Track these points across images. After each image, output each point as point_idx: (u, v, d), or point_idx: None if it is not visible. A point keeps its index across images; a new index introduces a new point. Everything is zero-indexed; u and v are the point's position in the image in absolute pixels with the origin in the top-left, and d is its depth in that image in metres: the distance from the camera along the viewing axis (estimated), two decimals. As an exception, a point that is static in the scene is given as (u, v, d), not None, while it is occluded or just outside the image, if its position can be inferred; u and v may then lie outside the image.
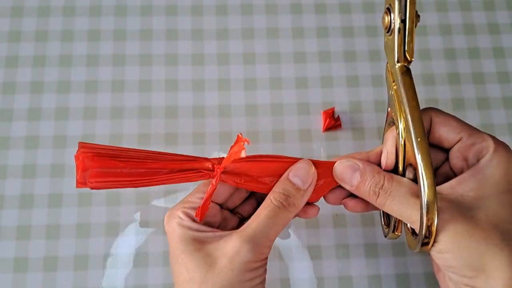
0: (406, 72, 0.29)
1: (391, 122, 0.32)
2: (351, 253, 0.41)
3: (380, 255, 0.41)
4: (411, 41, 0.28)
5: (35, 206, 0.41)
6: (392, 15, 0.28)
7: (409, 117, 0.27)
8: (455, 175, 0.30)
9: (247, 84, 0.45)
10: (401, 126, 0.29)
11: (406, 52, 0.28)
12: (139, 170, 0.30)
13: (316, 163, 0.32)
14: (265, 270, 0.31)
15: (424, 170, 0.26)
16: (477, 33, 0.48)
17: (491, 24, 0.48)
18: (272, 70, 0.46)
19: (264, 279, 0.31)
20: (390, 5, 0.28)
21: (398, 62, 0.29)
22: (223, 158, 0.31)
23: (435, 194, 0.25)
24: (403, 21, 0.28)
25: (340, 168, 0.31)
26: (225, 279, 0.28)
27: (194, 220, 0.31)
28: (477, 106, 0.45)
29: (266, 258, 0.30)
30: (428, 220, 0.25)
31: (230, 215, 0.34)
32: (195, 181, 0.32)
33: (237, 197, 0.34)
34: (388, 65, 0.30)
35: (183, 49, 0.46)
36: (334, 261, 0.40)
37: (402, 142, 0.29)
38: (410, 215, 0.28)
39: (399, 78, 0.28)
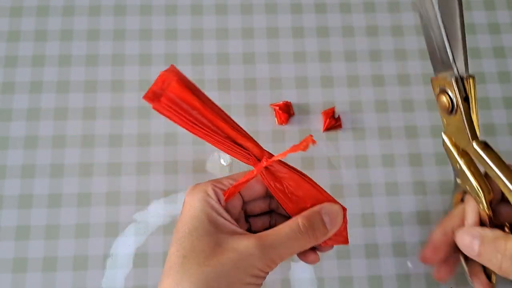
0: (487, 147, 0.30)
1: (461, 192, 0.34)
2: (351, 254, 0.41)
3: (381, 255, 0.41)
4: (477, 118, 0.30)
5: (34, 206, 0.41)
6: (450, 94, 0.30)
7: (507, 183, 0.29)
8: None
9: (247, 84, 0.45)
10: (483, 200, 0.31)
11: (475, 128, 0.30)
12: (205, 119, 0.29)
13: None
14: (262, 283, 0.31)
15: None
16: (477, 32, 0.48)
17: (491, 23, 0.48)
18: (272, 70, 0.46)
19: None
20: (443, 86, 0.30)
21: (472, 140, 0.30)
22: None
23: None
24: (465, 99, 0.30)
25: (462, 239, 0.32)
26: (227, 273, 0.28)
27: (219, 201, 0.30)
28: (478, 106, 0.45)
29: (268, 273, 0.30)
30: None
31: (243, 219, 0.34)
32: (239, 159, 0.31)
33: (258, 206, 0.34)
34: (447, 140, 0.32)
35: (183, 49, 0.46)
36: (335, 262, 0.40)
37: (489, 214, 0.32)
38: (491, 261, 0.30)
39: (484, 156, 0.30)
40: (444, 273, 0.35)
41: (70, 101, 0.44)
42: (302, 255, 0.33)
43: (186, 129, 0.29)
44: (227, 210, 0.31)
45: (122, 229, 0.41)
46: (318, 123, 0.44)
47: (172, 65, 0.29)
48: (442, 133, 0.33)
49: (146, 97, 0.28)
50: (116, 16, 0.47)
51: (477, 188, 0.31)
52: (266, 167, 0.30)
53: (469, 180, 0.32)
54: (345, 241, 0.33)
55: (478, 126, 0.30)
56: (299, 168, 0.43)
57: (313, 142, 0.30)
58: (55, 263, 0.39)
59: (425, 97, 0.45)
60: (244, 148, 0.30)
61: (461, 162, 0.32)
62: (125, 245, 0.40)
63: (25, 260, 0.39)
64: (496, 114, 0.45)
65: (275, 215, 0.35)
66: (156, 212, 0.41)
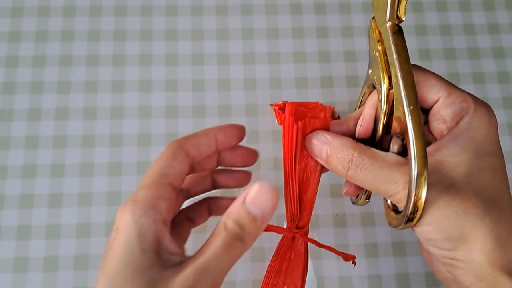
0: (398, 31, 0.26)
1: (371, 86, 0.29)
2: (351, 253, 0.41)
3: (380, 255, 0.41)
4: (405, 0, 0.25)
5: (35, 206, 0.41)
6: None
7: (401, 82, 0.25)
8: (435, 139, 0.27)
9: (247, 84, 0.45)
10: (384, 90, 0.26)
11: (398, 10, 0.26)
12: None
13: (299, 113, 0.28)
14: None
15: (415, 141, 0.24)
16: (476, 33, 0.48)
17: (490, 24, 0.48)
18: (272, 70, 0.46)
19: None
20: None
21: (389, 20, 0.26)
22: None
23: (426, 168, 0.23)
24: None
25: (310, 142, 0.28)
26: None
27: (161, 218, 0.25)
28: None
29: None
30: (416, 195, 0.23)
31: (185, 221, 0.31)
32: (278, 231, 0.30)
33: (200, 187, 0.31)
34: (373, 22, 0.27)
35: (183, 49, 0.46)
36: (334, 261, 0.40)
37: (384, 109, 0.27)
38: (387, 189, 0.25)
39: (390, 38, 0.26)
40: (352, 187, 0.31)
41: (71, 101, 0.44)
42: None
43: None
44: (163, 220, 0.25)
45: (122, 228, 0.41)
46: (318, 123, 0.44)
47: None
48: (372, 19, 0.28)
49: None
50: (116, 16, 0.47)
51: (382, 75, 0.26)
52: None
53: (378, 66, 0.27)
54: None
55: (404, 11, 0.26)
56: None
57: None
58: (56, 263, 0.40)
59: (425, 97, 0.45)
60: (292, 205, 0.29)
61: (378, 47, 0.27)
62: (126, 245, 0.40)
63: (26, 259, 0.40)
64: (496, 114, 0.45)
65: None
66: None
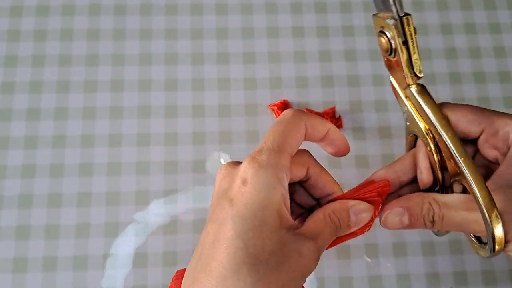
0: (423, 90, 0.29)
1: (413, 135, 0.32)
2: (351, 253, 0.41)
3: (381, 255, 0.41)
4: (418, 58, 0.28)
5: (34, 206, 0.41)
6: (388, 35, 0.28)
7: (446, 137, 0.28)
8: (490, 162, 0.30)
9: (247, 84, 0.45)
10: (431, 144, 0.29)
11: (414, 71, 0.28)
12: None
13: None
14: None
15: (477, 188, 0.26)
16: (478, 32, 0.47)
17: (492, 23, 0.48)
18: (272, 69, 0.46)
19: None
20: (382, 27, 0.28)
21: (411, 84, 0.29)
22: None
23: (494, 205, 0.26)
24: (404, 42, 0.28)
25: (389, 222, 0.30)
26: (298, 280, 0.25)
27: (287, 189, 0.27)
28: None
29: None
30: (493, 233, 0.26)
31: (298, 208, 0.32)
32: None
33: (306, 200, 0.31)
34: (394, 83, 0.30)
35: (183, 49, 0.46)
36: (335, 261, 0.40)
37: (437, 160, 0.30)
38: (469, 227, 0.28)
39: (419, 99, 0.29)
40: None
41: (70, 101, 0.44)
42: None
43: None
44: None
45: (122, 229, 0.41)
46: (318, 123, 0.44)
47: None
48: (390, 76, 0.31)
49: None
50: (116, 15, 0.47)
51: (425, 130, 0.29)
52: None
53: (417, 122, 0.30)
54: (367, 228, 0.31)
55: (420, 68, 0.29)
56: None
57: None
58: (55, 263, 0.39)
59: (426, 96, 0.45)
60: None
61: (408, 104, 0.30)
62: (125, 245, 0.40)
63: (25, 260, 0.39)
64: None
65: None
66: (156, 212, 0.41)
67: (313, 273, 0.40)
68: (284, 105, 0.44)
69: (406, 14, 0.27)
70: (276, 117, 0.44)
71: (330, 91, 0.45)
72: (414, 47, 0.28)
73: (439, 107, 0.28)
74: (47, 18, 0.46)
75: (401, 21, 0.27)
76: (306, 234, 0.25)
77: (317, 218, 0.27)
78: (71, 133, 0.43)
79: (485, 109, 0.30)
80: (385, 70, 0.47)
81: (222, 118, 0.44)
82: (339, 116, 0.44)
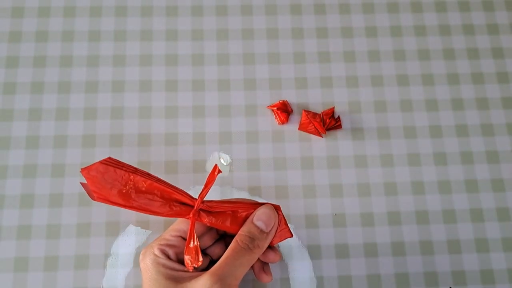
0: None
1: None
2: (351, 253, 0.41)
3: (380, 254, 0.41)
4: None
5: (35, 206, 0.41)
6: None
7: None
8: None
9: (247, 84, 0.45)
10: None
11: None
12: (140, 185, 0.33)
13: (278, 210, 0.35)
14: None
15: None
16: (476, 33, 0.48)
17: (490, 24, 0.48)
18: (271, 70, 0.46)
19: None
20: None
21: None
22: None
23: None
24: None
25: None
26: None
27: (169, 258, 0.33)
28: (476, 106, 0.45)
29: None
30: None
31: (202, 256, 0.36)
32: (179, 217, 0.34)
33: (208, 238, 0.37)
34: None
35: (183, 50, 0.46)
36: (334, 261, 0.40)
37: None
38: None
39: None
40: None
41: (71, 102, 0.44)
42: (262, 256, 0.35)
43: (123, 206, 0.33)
44: (180, 260, 0.34)
45: (123, 228, 0.41)
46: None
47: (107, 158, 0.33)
48: None
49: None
50: (117, 17, 0.47)
51: None
52: (199, 210, 0.33)
53: None
54: (289, 234, 0.35)
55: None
56: (299, 168, 0.43)
57: (219, 171, 0.34)
58: (56, 263, 0.40)
59: (424, 97, 0.45)
60: (180, 202, 0.33)
61: None
62: (126, 245, 0.40)
63: (26, 259, 0.40)
64: (494, 115, 0.45)
65: (227, 238, 0.38)
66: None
67: (312, 272, 0.40)
68: (284, 106, 0.44)
69: None
70: (276, 118, 0.44)
71: (329, 91, 0.45)
72: None
73: None
74: (49, 19, 0.47)
75: None
76: (206, 273, 0.31)
77: (228, 249, 0.33)
78: (72, 133, 0.43)
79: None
80: (383, 71, 0.47)
81: (222, 119, 0.44)
82: (338, 117, 0.44)
